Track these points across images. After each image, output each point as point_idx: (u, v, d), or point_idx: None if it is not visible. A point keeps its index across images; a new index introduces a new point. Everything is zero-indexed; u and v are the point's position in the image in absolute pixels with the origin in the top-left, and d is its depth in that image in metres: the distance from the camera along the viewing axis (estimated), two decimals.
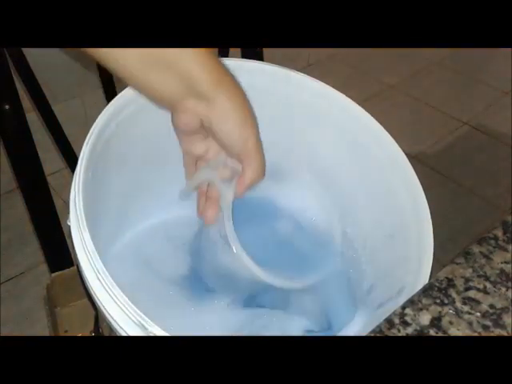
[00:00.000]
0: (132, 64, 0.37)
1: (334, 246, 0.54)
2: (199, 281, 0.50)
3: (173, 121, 0.42)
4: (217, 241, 0.47)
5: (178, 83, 0.38)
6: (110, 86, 0.72)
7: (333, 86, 0.51)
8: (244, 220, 0.47)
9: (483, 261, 0.34)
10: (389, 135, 0.49)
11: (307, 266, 0.53)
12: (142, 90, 0.40)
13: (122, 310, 0.33)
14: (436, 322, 0.31)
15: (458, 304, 0.32)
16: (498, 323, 0.31)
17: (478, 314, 0.31)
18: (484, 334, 0.30)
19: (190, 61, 0.38)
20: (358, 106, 0.50)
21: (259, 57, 0.75)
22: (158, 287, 0.50)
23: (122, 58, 0.37)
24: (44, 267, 1.14)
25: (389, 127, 0.49)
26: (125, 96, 0.45)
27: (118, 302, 0.33)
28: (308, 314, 0.49)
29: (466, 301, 0.32)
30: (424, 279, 0.38)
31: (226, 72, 0.40)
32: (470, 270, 0.34)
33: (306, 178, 0.56)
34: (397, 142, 0.48)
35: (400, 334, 0.30)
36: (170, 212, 0.55)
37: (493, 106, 1.82)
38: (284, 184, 0.57)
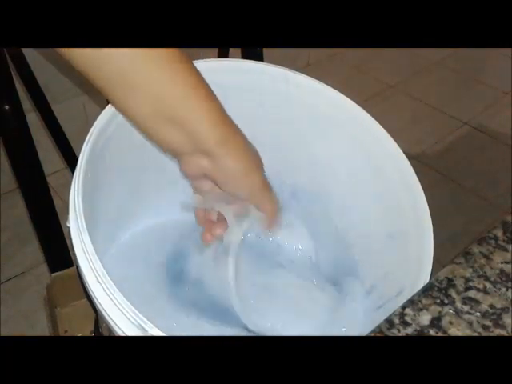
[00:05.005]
0: (144, 115, 0.38)
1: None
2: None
3: (179, 167, 0.42)
4: (207, 264, 0.47)
5: (184, 139, 0.38)
6: None
7: (333, 86, 0.51)
8: None
9: (483, 261, 0.34)
10: (389, 135, 0.49)
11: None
12: (150, 138, 0.40)
13: (122, 312, 0.33)
14: (436, 321, 0.31)
15: (458, 304, 0.32)
16: (498, 323, 0.31)
17: (478, 313, 0.31)
18: (484, 333, 0.30)
19: (199, 118, 0.38)
20: (357, 106, 0.50)
21: (259, 57, 0.75)
22: (157, 287, 0.50)
23: (134, 106, 0.38)
24: (44, 267, 1.14)
25: (389, 127, 0.49)
26: None
27: (118, 305, 0.33)
28: None
29: (466, 301, 0.32)
30: (424, 279, 0.38)
31: (234, 129, 0.40)
32: (470, 270, 0.34)
33: (305, 178, 0.56)
34: (397, 142, 0.48)
35: (400, 334, 0.30)
36: (170, 213, 0.54)
37: (493, 106, 1.82)
38: None
